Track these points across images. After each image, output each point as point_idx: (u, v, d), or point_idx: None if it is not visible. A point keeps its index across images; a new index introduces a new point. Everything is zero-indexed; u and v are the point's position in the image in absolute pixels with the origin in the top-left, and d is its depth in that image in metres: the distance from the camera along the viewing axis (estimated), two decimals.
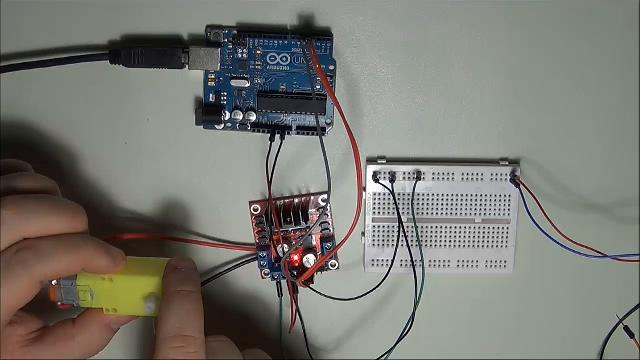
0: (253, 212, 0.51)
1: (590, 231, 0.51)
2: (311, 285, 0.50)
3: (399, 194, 0.50)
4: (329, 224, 0.51)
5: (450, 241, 0.51)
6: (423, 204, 0.50)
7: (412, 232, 0.50)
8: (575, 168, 0.51)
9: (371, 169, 0.50)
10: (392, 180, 0.50)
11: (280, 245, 0.50)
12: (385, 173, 0.50)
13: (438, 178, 0.50)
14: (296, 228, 0.50)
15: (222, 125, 0.49)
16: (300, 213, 0.50)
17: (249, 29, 0.49)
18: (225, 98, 0.49)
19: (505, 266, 0.51)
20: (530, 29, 0.50)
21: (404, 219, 0.50)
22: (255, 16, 0.49)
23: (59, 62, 0.48)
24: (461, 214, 0.51)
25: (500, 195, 0.50)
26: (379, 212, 0.50)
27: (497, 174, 0.50)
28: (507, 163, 0.51)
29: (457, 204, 0.50)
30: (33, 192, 0.41)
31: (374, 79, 0.50)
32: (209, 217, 0.51)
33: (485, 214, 0.51)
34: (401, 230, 0.50)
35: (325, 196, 0.50)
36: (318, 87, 0.49)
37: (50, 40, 0.49)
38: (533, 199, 0.50)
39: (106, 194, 0.50)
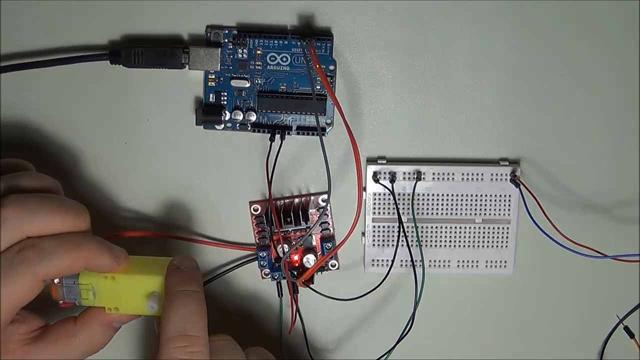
0: (253, 212, 0.51)
1: (590, 231, 0.51)
2: (311, 285, 0.50)
3: (399, 194, 0.50)
4: (329, 224, 0.51)
5: (450, 241, 0.51)
6: (423, 204, 0.50)
7: (412, 232, 0.50)
8: (575, 168, 0.51)
9: (371, 169, 0.50)
10: (392, 180, 0.50)
11: (280, 245, 0.50)
12: (385, 173, 0.50)
13: (438, 178, 0.50)
14: (296, 228, 0.50)
15: (222, 125, 0.49)
16: (300, 213, 0.50)
17: (249, 29, 0.49)
18: (225, 98, 0.49)
19: (505, 266, 0.51)
20: (530, 29, 0.50)
21: (404, 219, 0.50)
22: (255, 16, 0.49)
23: (59, 62, 0.48)
24: (461, 214, 0.51)
25: (500, 195, 0.50)
26: (379, 212, 0.50)
27: (497, 174, 0.50)
28: (507, 163, 0.51)
29: (457, 204, 0.50)
30: (36, 191, 0.41)
31: (374, 79, 0.50)
32: (209, 217, 0.51)
33: (485, 214, 0.51)
34: (401, 230, 0.50)
35: (325, 196, 0.50)
36: (318, 87, 0.49)
37: (50, 40, 0.49)
38: (533, 199, 0.50)
39: (106, 194, 0.50)
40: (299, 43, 0.48)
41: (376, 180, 0.50)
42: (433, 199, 0.50)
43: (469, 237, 0.51)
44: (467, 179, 0.50)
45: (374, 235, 0.51)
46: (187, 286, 0.42)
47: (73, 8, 0.48)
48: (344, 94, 0.50)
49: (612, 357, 0.53)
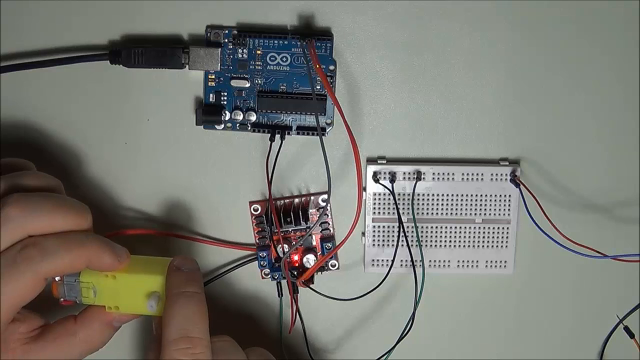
0: (253, 212, 0.51)
1: (590, 231, 0.51)
2: (311, 285, 0.50)
3: (399, 194, 0.50)
4: (329, 224, 0.51)
5: (450, 241, 0.51)
6: (423, 204, 0.50)
7: (412, 232, 0.50)
8: (575, 168, 0.51)
9: (371, 169, 0.50)
10: (392, 180, 0.50)
11: (280, 245, 0.50)
12: (385, 173, 0.50)
13: (438, 178, 0.50)
14: (296, 228, 0.50)
15: (222, 125, 0.49)
16: (300, 213, 0.50)
17: (249, 29, 0.49)
18: (225, 98, 0.49)
19: (505, 266, 0.51)
20: (530, 29, 0.50)
21: (404, 219, 0.50)
22: (255, 16, 0.49)
23: (59, 62, 0.48)
24: (461, 214, 0.51)
25: (500, 195, 0.50)
26: (379, 212, 0.50)
27: (497, 174, 0.50)
28: (507, 163, 0.51)
29: (457, 204, 0.50)
30: (37, 190, 0.41)
31: (374, 79, 0.50)
32: (209, 217, 0.51)
33: (485, 214, 0.51)
34: (401, 230, 0.50)
35: (325, 196, 0.50)
36: (318, 87, 0.49)
37: (50, 40, 0.49)
38: (533, 199, 0.50)
39: (106, 194, 0.50)
40: (299, 43, 0.48)
41: (376, 180, 0.50)
42: (433, 199, 0.50)
43: (469, 237, 0.51)
44: (467, 179, 0.50)
45: (374, 235, 0.51)
46: (188, 287, 0.42)
47: (73, 8, 0.48)
48: (344, 94, 0.50)
49: (612, 357, 0.53)
